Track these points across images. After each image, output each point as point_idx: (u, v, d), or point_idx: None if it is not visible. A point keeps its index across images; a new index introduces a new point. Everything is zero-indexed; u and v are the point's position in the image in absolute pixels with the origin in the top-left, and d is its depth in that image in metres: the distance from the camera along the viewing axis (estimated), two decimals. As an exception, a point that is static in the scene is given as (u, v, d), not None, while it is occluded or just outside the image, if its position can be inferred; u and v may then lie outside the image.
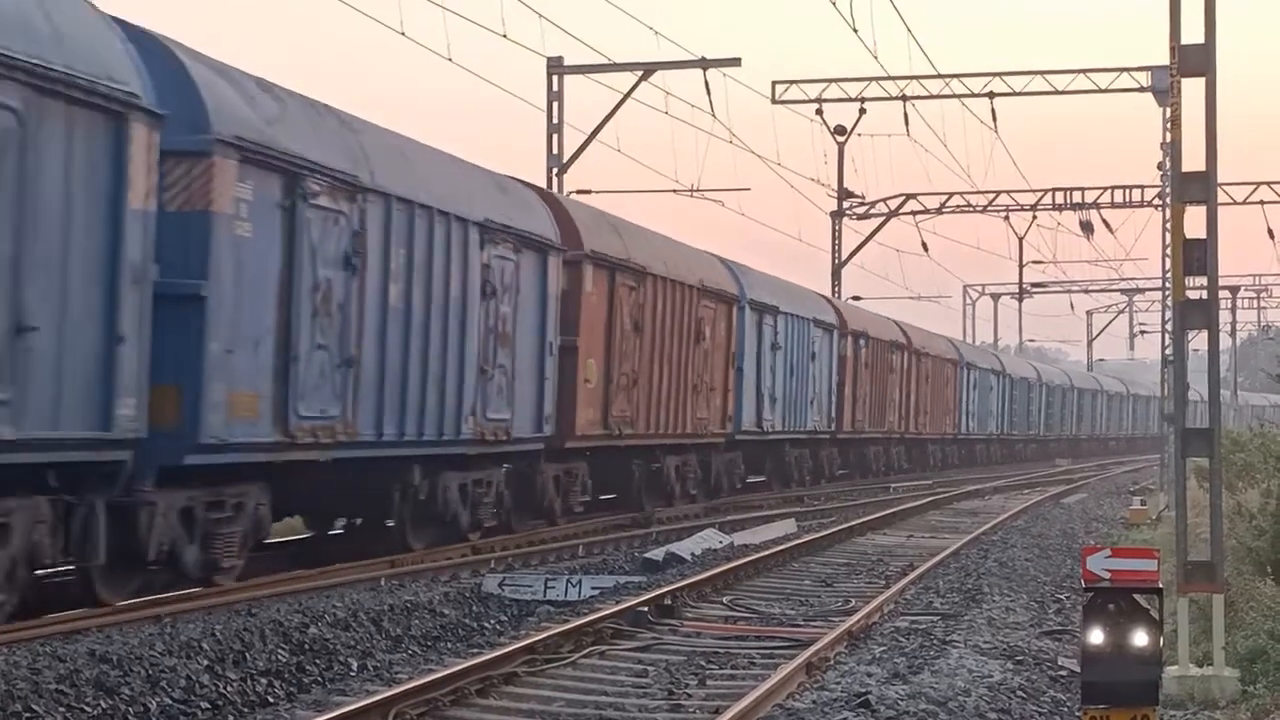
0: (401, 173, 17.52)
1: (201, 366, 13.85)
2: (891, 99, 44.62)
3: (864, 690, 10.40)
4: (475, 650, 12.27)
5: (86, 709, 9.84)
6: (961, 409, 53.79)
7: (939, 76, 43.28)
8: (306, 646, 12.31)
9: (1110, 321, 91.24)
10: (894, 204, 53.40)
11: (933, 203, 54.56)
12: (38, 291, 11.59)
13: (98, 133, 12.17)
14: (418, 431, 17.84)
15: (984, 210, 55.60)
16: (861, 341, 40.84)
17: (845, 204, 51.32)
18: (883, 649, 12.53)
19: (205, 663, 11.23)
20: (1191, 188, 11.47)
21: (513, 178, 22.05)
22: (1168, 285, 22.32)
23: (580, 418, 22.89)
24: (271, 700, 10.94)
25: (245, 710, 10.65)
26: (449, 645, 13.37)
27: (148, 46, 13.54)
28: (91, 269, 12.20)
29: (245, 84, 15.23)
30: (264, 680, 11.31)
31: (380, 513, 18.59)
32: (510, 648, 11.79)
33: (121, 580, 13.51)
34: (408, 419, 17.56)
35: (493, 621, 14.88)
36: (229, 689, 10.90)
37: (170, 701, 10.37)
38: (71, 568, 13.31)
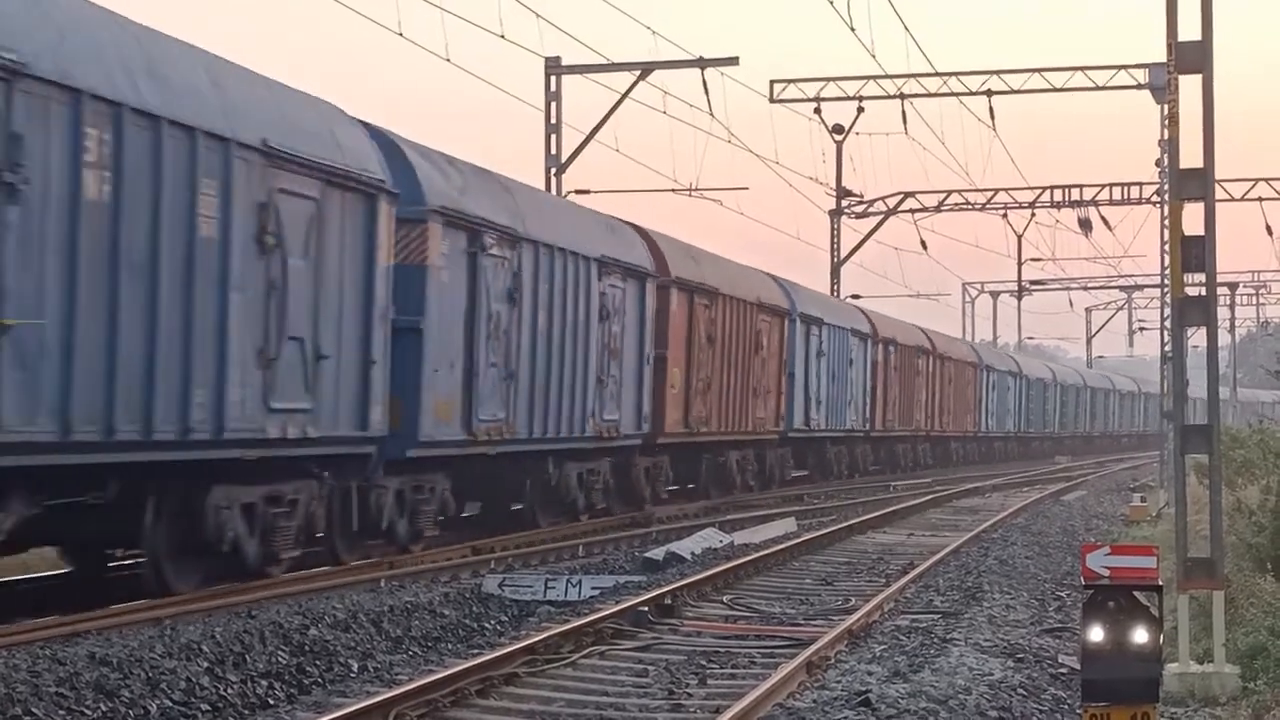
0: (544, 223, 21.95)
1: (420, 382, 18.26)
2: (889, 97, 44.63)
3: (865, 689, 10.40)
4: (475, 651, 12.26)
5: (86, 712, 9.83)
6: (981, 408, 57.30)
7: (937, 75, 43.26)
8: (307, 648, 12.31)
9: (1109, 319, 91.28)
10: (892, 202, 53.40)
11: (931, 201, 54.58)
12: (327, 329, 15.89)
13: (360, 210, 16.49)
14: (555, 430, 22.12)
15: (982, 208, 55.63)
16: (891, 348, 44.36)
17: (844, 202, 51.32)
18: (883, 647, 12.53)
19: (205, 665, 11.22)
20: (1189, 185, 11.47)
21: (616, 218, 26.45)
22: (1166, 282, 22.19)
23: (668, 418, 27.07)
24: (272, 702, 10.94)
25: (246, 712, 10.64)
26: (449, 646, 13.37)
27: (382, 141, 17.86)
28: (356, 310, 16.52)
29: (441, 163, 19.61)
30: (264, 682, 11.31)
31: (514, 497, 22.68)
32: (510, 648, 11.79)
33: (355, 545, 17.65)
34: (549, 420, 21.88)
35: (493, 622, 14.87)
36: (229, 691, 10.90)
37: (170, 704, 10.36)
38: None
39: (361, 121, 17.63)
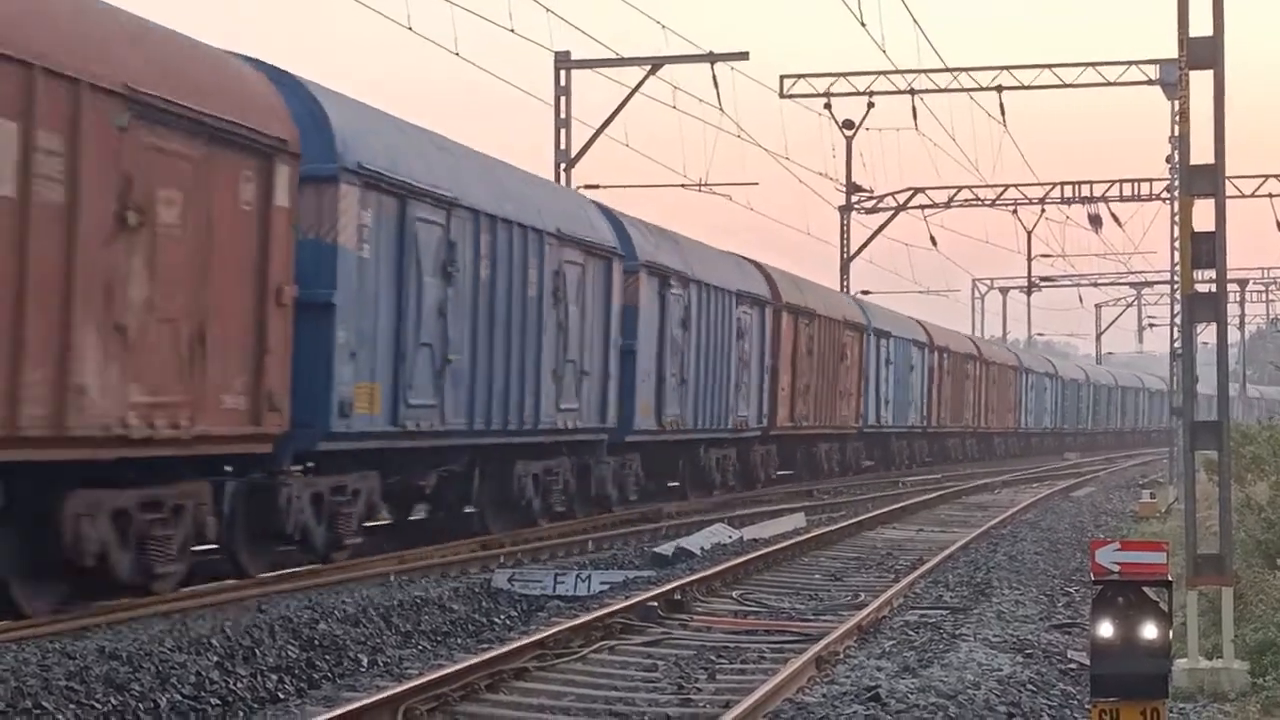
0: (703, 267, 28.95)
1: (634, 389, 25.27)
2: (899, 93, 44.58)
3: (874, 684, 10.40)
4: (485, 646, 12.28)
5: (96, 705, 9.85)
6: (1021, 407, 63.73)
7: (947, 70, 43.22)
8: (316, 642, 12.32)
9: (1119, 315, 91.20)
10: (902, 198, 53.39)
11: (941, 197, 54.54)
12: (586, 354, 22.88)
13: (602, 269, 23.45)
14: (708, 423, 28.88)
15: (992, 204, 55.59)
16: (945, 355, 50.19)
17: (854, 198, 51.30)
18: (892, 643, 12.54)
19: (215, 659, 11.23)
20: (1200, 181, 11.46)
21: (742, 256, 33.28)
22: (1176, 278, 22.13)
23: (779, 414, 33.59)
24: (282, 696, 10.96)
25: (255, 706, 10.66)
26: (459, 641, 13.38)
27: (611, 217, 25.00)
28: (601, 340, 23.48)
29: (641, 228, 26.60)
30: (274, 676, 11.32)
31: (671, 476, 29.33)
32: (520, 643, 11.81)
33: (586, 506, 23.95)
34: (704, 415, 28.54)
35: (502, 617, 14.88)
36: (239, 685, 10.91)
37: (180, 698, 10.37)
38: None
39: (598, 204, 25.44)
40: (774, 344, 32.99)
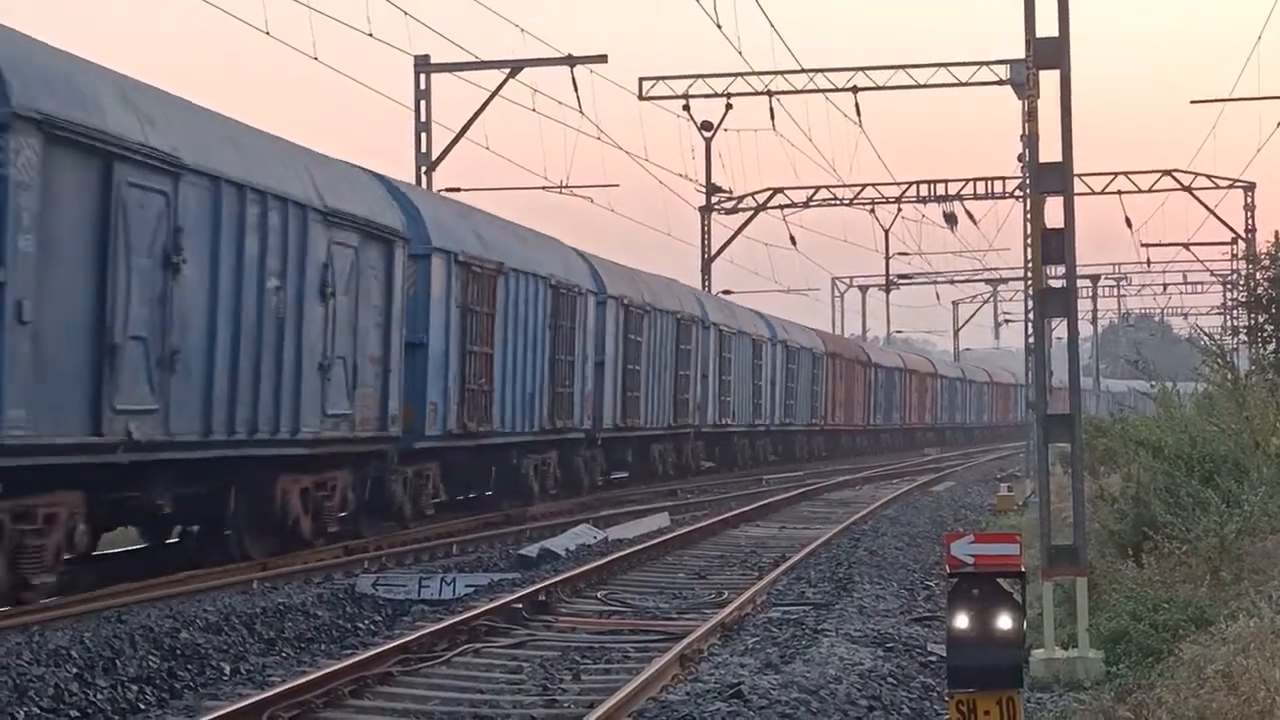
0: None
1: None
2: (757, 94, 44.80)
3: (737, 681, 10.49)
4: (349, 651, 12.23)
5: (-48, 721, 9.69)
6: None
7: (803, 71, 43.52)
8: (178, 652, 12.19)
9: (975, 311, 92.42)
10: (761, 198, 53.69)
11: (800, 196, 54.89)
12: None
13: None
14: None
15: (850, 203, 56.03)
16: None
17: (713, 199, 51.53)
18: (755, 639, 12.64)
19: (74, 670, 11.08)
20: (1049, 178, 11.68)
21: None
22: (1029, 274, 22.47)
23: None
24: (143, 707, 10.83)
25: (116, 718, 10.53)
26: (323, 647, 13.30)
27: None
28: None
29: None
30: (135, 687, 11.19)
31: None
32: (384, 647, 11.77)
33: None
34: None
35: (367, 622, 14.80)
36: (99, 697, 10.77)
37: (38, 711, 10.22)
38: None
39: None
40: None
